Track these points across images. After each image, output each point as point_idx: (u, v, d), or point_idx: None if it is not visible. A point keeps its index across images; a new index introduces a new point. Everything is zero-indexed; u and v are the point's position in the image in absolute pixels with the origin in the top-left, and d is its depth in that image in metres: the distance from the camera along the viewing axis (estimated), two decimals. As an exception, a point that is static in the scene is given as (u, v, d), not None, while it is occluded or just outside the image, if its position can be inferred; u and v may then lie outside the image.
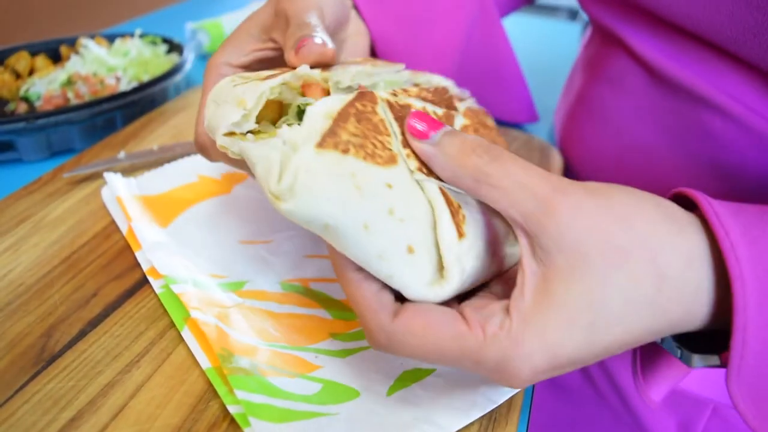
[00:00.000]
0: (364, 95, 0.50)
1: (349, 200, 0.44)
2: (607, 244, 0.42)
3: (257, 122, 0.53)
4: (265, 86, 0.51)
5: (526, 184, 0.43)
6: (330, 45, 0.59)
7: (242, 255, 0.72)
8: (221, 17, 1.50)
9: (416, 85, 0.64)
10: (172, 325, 0.63)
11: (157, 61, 1.21)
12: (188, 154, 0.92)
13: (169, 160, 0.90)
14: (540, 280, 0.43)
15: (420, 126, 0.49)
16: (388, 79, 0.63)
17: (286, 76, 0.53)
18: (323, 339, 0.61)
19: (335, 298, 0.66)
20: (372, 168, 0.46)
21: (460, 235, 0.47)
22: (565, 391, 0.89)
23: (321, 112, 0.46)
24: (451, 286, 0.46)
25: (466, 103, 0.64)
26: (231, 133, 0.51)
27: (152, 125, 1.04)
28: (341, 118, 0.46)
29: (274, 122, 0.56)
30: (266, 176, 0.44)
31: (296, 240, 0.74)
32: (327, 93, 0.55)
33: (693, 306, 0.44)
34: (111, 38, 1.29)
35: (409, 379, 0.56)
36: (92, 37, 1.26)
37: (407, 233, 0.46)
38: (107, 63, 1.15)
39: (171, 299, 0.64)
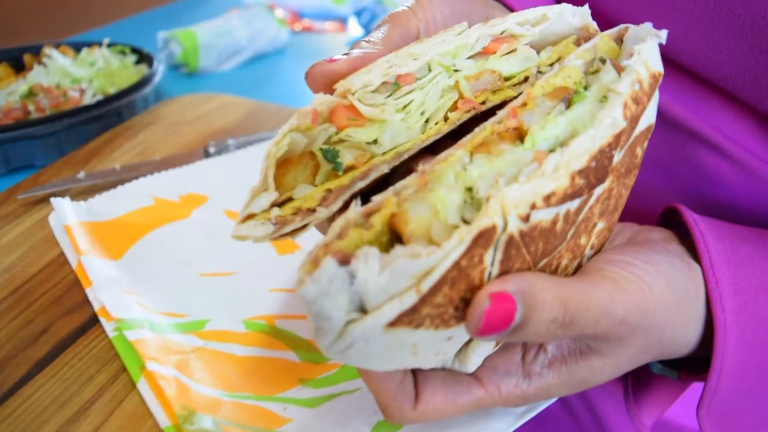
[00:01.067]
0: (480, 239, 0.37)
1: (401, 363, 0.43)
2: (629, 329, 0.46)
3: (287, 190, 0.44)
4: (270, 145, 0.43)
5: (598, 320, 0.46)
6: (340, 57, 0.48)
7: (202, 290, 0.67)
8: (195, 26, 1.45)
9: (497, 39, 0.51)
10: (125, 368, 0.58)
11: (125, 72, 1.16)
12: (155, 173, 0.86)
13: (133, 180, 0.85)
14: (572, 366, 0.48)
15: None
16: (443, 51, 0.48)
17: (292, 121, 0.43)
18: (291, 386, 0.57)
19: (302, 338, 0.62)
20: (438, 332, 0.40)
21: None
22: (543, 419, 0.87)
23: (409, 272, 0.36)
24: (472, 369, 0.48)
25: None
26: (250, 216, 0.43)
27: (117, 141, 0.99)
28: (432, 292, 0.37)
29: (313, 177, 0.46)
30: (317, 331, 0.37)
31: (260, 272, 0.70)
32: (353, 110, 0.45)
33: (683, 340, 0.50)
34: (78, 47, 1.23)
35: (386, 427, 0.52)
36: (57, 45, 1.21)
37: (447, 350, 0.45)
38: (72, 74, 1.10)
39: (125, 346, 0.59)
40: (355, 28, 1.84)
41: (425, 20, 0.54)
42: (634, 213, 0.67)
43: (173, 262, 0.70)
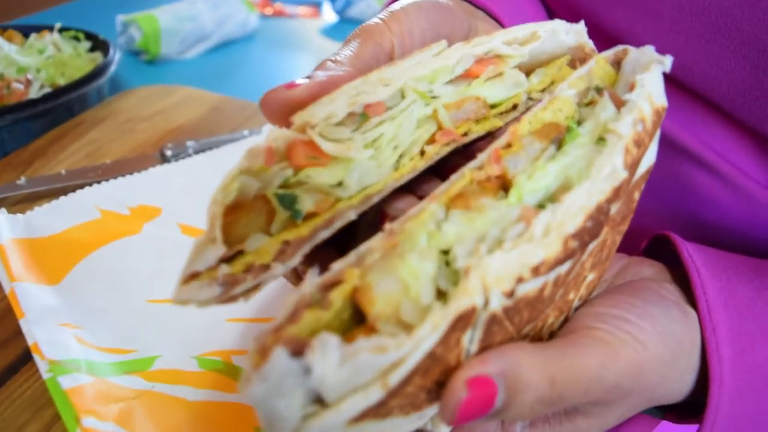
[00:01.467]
0: (458, 323, 0.32)
1: None
2: (620, 393, 0.42)
3: (238, 241, 0.37)
4: (216, 192, 0.36)
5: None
6: (301, 82, 0.41)
7: (151, 319, 0.60)
8: (157, 10, 1.36)
9: (481, 61, 0.45)
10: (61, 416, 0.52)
11: (78, 60, 1.08)
12: (103, 181, 0.79)
13: (78, 189, 0.77)
14: (555, 427, 0.45)
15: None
16: (419, 75, 0.42)
17: (242, 163, 0.36)
18: (246, 437, 0.51)
19: (262, 379, 0.56)
20: (409, 417, 0.35)
21: None
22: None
23: (374, 367, 0.30)
24: None
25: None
26: (194, 276, 0.36)
27: (65, 140, 0.91)
28: (402, 385, 0.31)
29: (268, 225, 0.39)
30: (269, 431, 0.31)
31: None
32: (313, 146, 0.38)
33: (675, 392, 0.48)
34: (26, 31, 1.14)
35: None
36: (4, 30, 1.12)
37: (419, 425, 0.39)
38: (17, 62, 1.01)
39: (60, 393, 0.52)
40: (329, 14, 1.76)
41: (400, 35, 0.47)
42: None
43: (119, 286, 0.63)
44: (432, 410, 0.36)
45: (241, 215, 0.38)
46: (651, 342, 0.44)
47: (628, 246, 0.58)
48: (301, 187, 0.38)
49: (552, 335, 0.45)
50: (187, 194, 0.77)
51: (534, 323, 0.39)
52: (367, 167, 0.40)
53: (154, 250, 0.69)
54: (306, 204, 0.38)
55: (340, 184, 0.39)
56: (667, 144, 0.65)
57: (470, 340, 0.33)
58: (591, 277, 0.45)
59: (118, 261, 0.67)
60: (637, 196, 0.45)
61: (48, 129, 0.94)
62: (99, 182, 0.78)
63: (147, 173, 0.81)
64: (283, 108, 0.39)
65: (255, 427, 0.52)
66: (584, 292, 0.46)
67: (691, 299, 0.49)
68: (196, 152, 0.88)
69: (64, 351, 0.54)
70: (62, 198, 0.74)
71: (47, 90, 0.99)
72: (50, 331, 0.56)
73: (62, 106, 0.96)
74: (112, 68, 1.05)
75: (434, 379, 0.33)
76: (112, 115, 1.00)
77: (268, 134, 0.37)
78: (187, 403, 0.53)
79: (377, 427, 0.33)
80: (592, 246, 0.39)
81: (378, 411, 0.31)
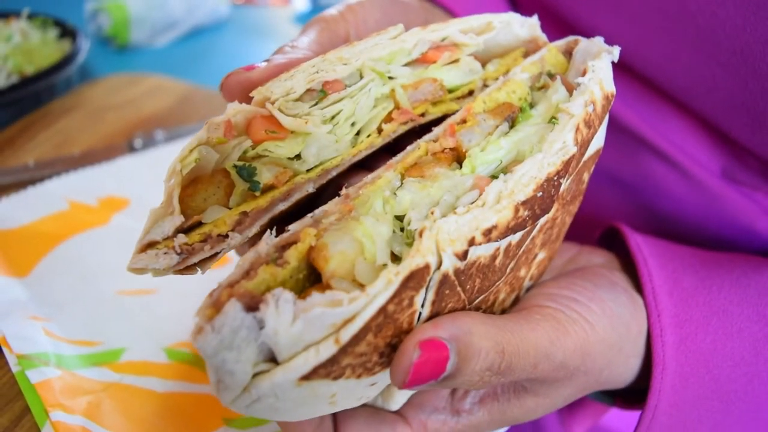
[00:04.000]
0: (411, 280, 0.33)
1: (316, 413, 0.38)
2: (567, 372, 0.44)
3: (196, 212, 0.38)
4: (173, 162, 0.37)
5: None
6: (260, 65, 0.42)
7: (120, 311, 0.61)
8: (126, -4, 1.34)
9: (438, 47, 0.46)
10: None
11: (46, 48, 1.06)
12: (72, 171, 0.79)
13: (46, 180, 0.77)
14: (504, 404, 0.46)
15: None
16: (377, 56, 0.43)
17: (200, 134, 0.38)
18: (215, 427, 0.52)
19: (231, 369, 0.57)
20: (361, 381, 0.36)
21: None
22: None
23: (327, 321, 0.31)
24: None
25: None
26: (151, 245, 0.37)
27: (33, 130, 0.91)
28: (354, 342, 0.32)
29: (226, 198, 0.40)
30: (217, 385, 0.32)
31: (185, 289, 0.63)
32: (272, 121, 0.39)
33: (622, 377, 0.50)
34: (-8, 18, 1.12)
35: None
36: (-32, 16, 1.10)
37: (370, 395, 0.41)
38: (-17, 51, 0.99)
39: (29, 386, 0.52)
40: (299, 2, 1.76)
41: (355, 23, 0.49)
42: (578, 221, 0.66)
43: (87, 278, 0.64)
44: (384, 378, 0.37)
45: (198, 189, 0.39)
46: (599, 323, 0.46)
47: (585, 237, 0.60)
48: (260, 160, 0.40)
49: (503, 313, 0.46)
50: (155, 184, 0.76)
51: (486, 296, 0.41)
52: (325, 142, 0.41)
53: (123, 241, 0.68)
54: (264, 176, 0.39)
55: (298, 157, 0.41)
56: (625, 135, 0.66)
57: (422, 303, 0.35)
58: (541, 255, 0.47)
59: (87, 252, 0.67)
60: (586, 177, 0.47)
61: (15, 119, 0.93)
62: (68, 172, 0.78)
63: (115, 164, 0.81)
64: (242, 89, 0.41)
65: (223, 417, 0.53)
66: (535, 272, 0.48)
67: (639, 288, 0.51)
68: (165, 142, 0.88)
69: (32, 344, 0.55)
70: (30, 189, 0.74)
71: (14, 79, 0.98)
72: (18, 324, 0.56)
73: (30, 95, 0.95)
74: (81, 57, 1.04)
75: (387, 341, 0.34)
76: (81, 104, 0.99)
77: (228, 109, 0.38)
78: (155, 394, 0.54)
79: (329, 388, 0.34)
80: (542, 221, 0.41)
81: (330, 370, 0.32)
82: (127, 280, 0.64)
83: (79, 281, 0.63)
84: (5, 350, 0.56)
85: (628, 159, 0.68)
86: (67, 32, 1.13)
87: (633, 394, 0.55)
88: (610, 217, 0.70)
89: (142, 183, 0.78)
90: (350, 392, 0.36)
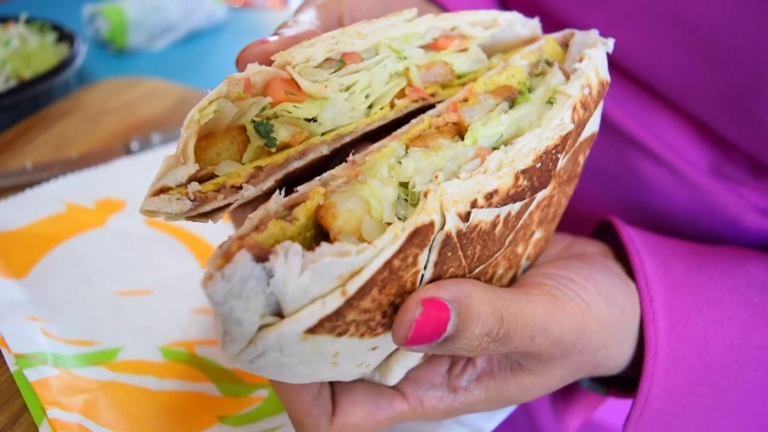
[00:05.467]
0: (416, 236, 0.34)
1: (319, 375, 0.39)
2: (563, 349, 0.45)
3: (207, 164, 0.39)
4: (192, 111, 0.38)
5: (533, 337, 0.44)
6: (272, 38, 0.44)
7: (116, 311, 0.62)
8: (123, 1, 1.36)
9: (448, 36, 0.48)
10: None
11: (44, 53, 1.07)
12: (69, 174, 0.80)
13: (44, 183, 0.78)
14: (500, 382, 0.47)
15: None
16: (393, 35, 0.45)
17: (220, 88, 0.39)
18: (209, 424, 0.53)
19: (225, 368, 0.58)
20: (363, 341, 0.37)
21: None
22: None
23: (335, 272, 0.32)
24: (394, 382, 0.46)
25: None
26: (164, 190, 0.37)
27: (31, 133, 0.92)
28: (360, 295, 0.33)
29: (240, 154, 0.41)
30: (224, 337, 0.33)
31: (182, 289, 0.65)
32: (291, 84, 0.41)
33: (616, 361, 0.51)
34: (-9, 22, 1.14)
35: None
36: (-33, 20, 1.11)
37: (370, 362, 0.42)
38: (-18, 55, 1.01)
39: (26, 385, 0.53)
40: (296, 5, 1.76)
41: (350, 6, 0.50)
42: (570, 216, 0.67)
43: (84, 279, 0.65)
44: (385, 342, 0.38)
45: (212, 143, 0.40)
46: (594, 303, 0.47)
47: (578, 231, 0.61)
48: (277, 119, 0.41)
49: None
50: (152, 187, 0.78)
51: (485, 267, 0.42)
52: (342, 108, 0.43)
53: (119, 243, 0.70)
54: (281, 134, 0.41)
55: (314, 120, 0.42)
56: (615, 133, 0.67)
57: (425, 264, 0.36)
58: (538, 234, 0.49)
59: (84, 254, 0.68)
60: (581, 160, 0.49)
61: (14, 122, 0.94)
62: (65, 174, 0.79)
63: (112, 166, 0.82)
64: (260, 60, 0.41)
65: (217, 414, 0.54)
66: (532, 251, 0.50)
67: (632, 276, 0.52)
68: (162, 145, 0.89)
69: (30, 344, 0.55)
70: (28, 191, 0.75)
71: (12, 83, 0.99)
72: (16, 324, 0.57)
73: (28, 99, 0.96)
74: (79, 61, 1.05)
75: (390, 299, 0.35)
76: (78, 108, 1.00)
77: (248, 68, 0.39)
78: (151, 392, 0.55)
79: (332, 345, 0.35)
80: (540, 195, 0.43)
81: (335, 324, 0.34)
82: (124, 281, 0.66)
83: (76, 282, 0.64)
84: (3, 350, 0.57)
85: (617, 156, 0.69)
86: (65, 36, 1.14)
87: (626, 384, 0.56)
88: (601, 214, 0.71)
89: (139, 185, 0.78)
90: (352, 354, 0.37)
